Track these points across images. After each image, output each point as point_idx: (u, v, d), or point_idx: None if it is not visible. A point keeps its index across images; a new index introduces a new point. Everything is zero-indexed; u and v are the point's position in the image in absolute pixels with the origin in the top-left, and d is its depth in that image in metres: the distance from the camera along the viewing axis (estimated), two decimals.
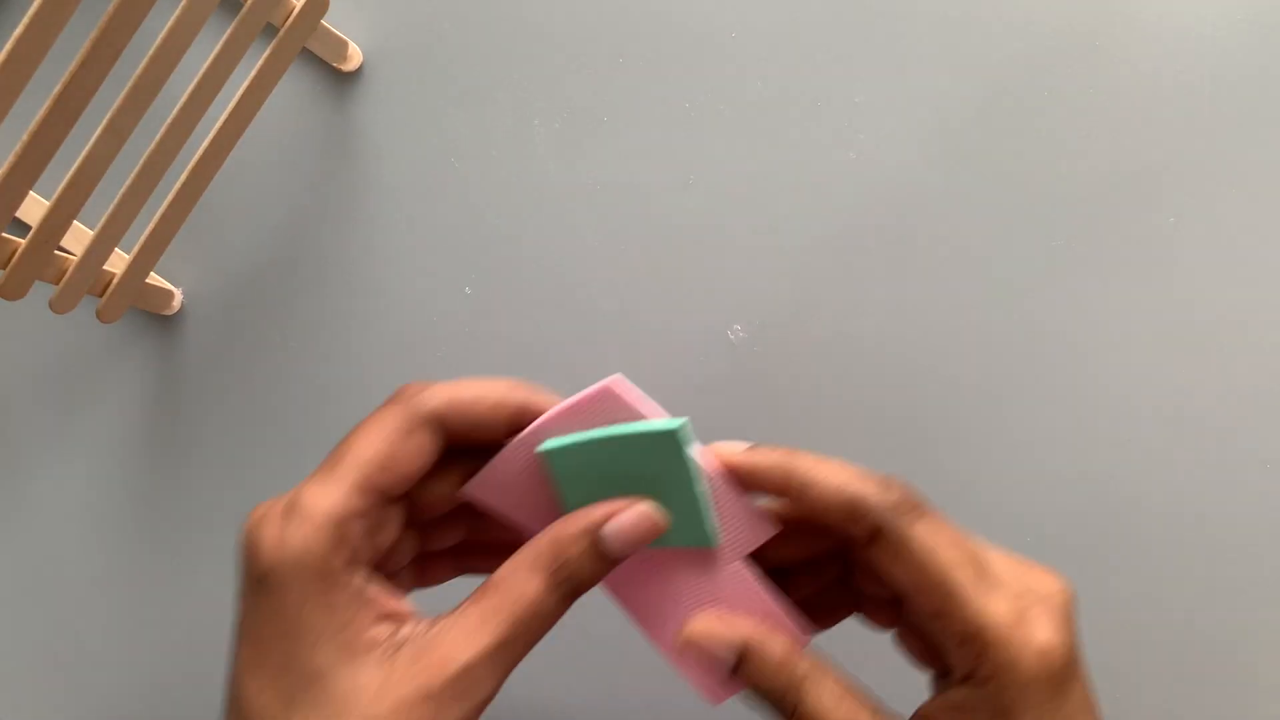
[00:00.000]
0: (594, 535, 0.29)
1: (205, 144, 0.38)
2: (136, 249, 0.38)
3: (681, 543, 0.31)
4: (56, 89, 0.30)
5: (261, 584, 0.28)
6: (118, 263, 0.39)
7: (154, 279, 0.42)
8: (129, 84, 0.33)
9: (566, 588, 0.28)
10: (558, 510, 0.30)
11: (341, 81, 0.43)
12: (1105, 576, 0.42)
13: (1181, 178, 0.42)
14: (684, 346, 0.43)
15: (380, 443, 0.29)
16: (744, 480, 0.30)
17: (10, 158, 0.30)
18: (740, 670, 0.30)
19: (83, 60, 0.30)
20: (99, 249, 0.36)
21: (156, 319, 0.44)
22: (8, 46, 0.28)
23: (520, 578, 0.28)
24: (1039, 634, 0.28)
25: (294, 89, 0.43)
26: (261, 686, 0.28)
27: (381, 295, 0.43)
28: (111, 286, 0.38)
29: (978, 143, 0.42)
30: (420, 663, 0.27)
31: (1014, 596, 0.29)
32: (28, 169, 0.31)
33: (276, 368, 0.44)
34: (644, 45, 0.42)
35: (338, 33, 0.42)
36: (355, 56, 0.43)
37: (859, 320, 0.42)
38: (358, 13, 0.43)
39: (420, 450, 0.29)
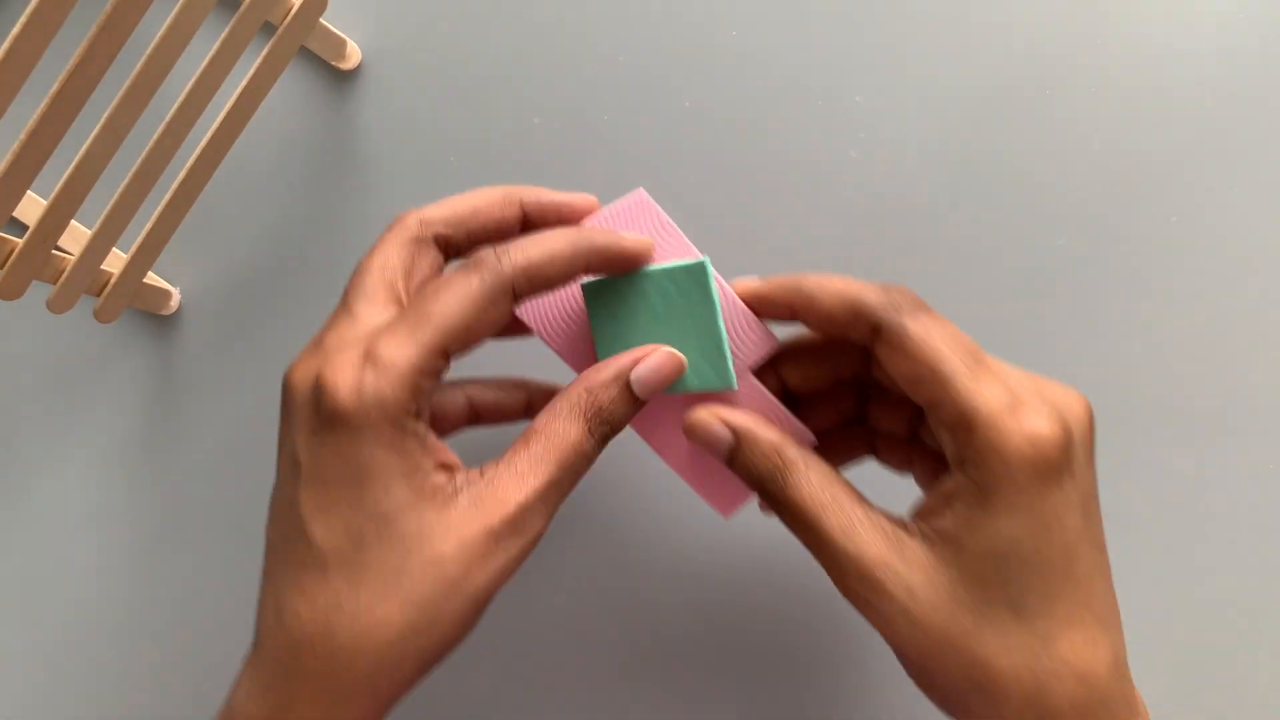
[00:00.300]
0: (624, 380, 0.32)
1: (203, 143, 0.38)
2: (134, 248, 0.38)
3: (701, 386, 0.33)
4: (54, 88, 0.30)
5: (333, 426, 0.29)
6: (115, 262, 0.38)
7: (152, 279, 0.42)
8: (127, 83, 0.33)
9: (603, 430, 0.31)
10: (588, 339, 0.34)
11: (340, 80, 0.43)
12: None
13: (1183, 177, 0.42)
14: None
15: (466, 312, 0.30)
16: (758, 307, 0.33)
17: (8, 157, 0.30)
18: (735, 457, 0.32)
19: (80, 59, 0.30)
20: (97, 248, 0.36)
21: (154, 319, 0.43)
22: (5, 45, 0.28)
23: (561, 425, 0.31)
24: (1029, 421, 0.28)
25: (292, 88, 0.43)
26: (330, 526, 0.29)
27: None
28: (109, 286, 0.38)
29: (979, 142, 0.42)
30: (480, 505, 0.29)
31: (1011, 390, 0.29)
32: (25, 168, 0.31)
33: (274, 368, 0.43)
34: (644, 44, 0.42)
35: (336, 31, 0.42)
36: (354, 55, 0.43)
37: None
38: (357, 11, 0.43)
39: (500, 319, 0.30)
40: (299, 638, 0.29)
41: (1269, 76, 0.42)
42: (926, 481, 0.33)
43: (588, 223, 0.33)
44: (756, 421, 0.32)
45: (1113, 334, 0.41)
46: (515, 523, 0.30)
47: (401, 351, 0.29)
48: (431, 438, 0.30)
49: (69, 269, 0.35)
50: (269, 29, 0.38)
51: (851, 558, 0.29)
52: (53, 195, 0.33)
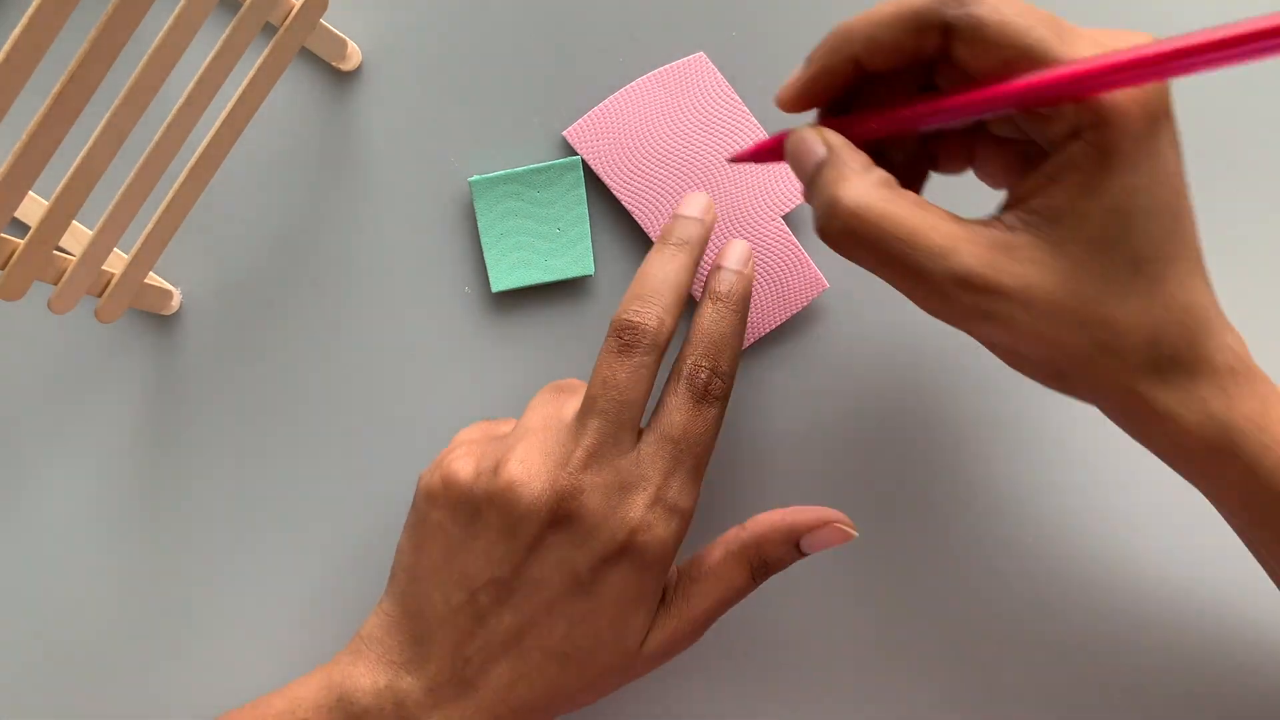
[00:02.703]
0: (794, 541, 0.36)
1: (204, 144, 0.38)
2: (135, 249, 0.38)
3: (564, 274, 0.42)
4: (55, 89, 0.30)
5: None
6: (117, 263, 0.39)
7: (153, 279, 0.42)
8: (128, 84, 0.33)
9: (763, 574, 0.37)
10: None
11: (341, 81, 0.43)
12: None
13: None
14: None
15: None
16: (813, 100, 0.33)
17: (9, 158, 0.30)
18: (815, 179, 0.32)
19: (81, 60, 0.30)
20: (98, 249, 0.36)
21: (155, 319, 0.44)
22: (6, 46, 0.28)
23: (729, 570, 0.36)
24: None
25: (293, 88, 0.43)
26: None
27: (381, 293, 0.43)
28: (110, 286, 0.38)
29: None
30: (676, 616, 0.36)
31: (1102, 45, 0.28)
32: (26, 169, 0.31)
33: (276, 368, 0.44)
34: (643, 46, 0.42)
35: (337, 32, 0.42)
36: (355, 56, 0.43)
37: (858, 323, 0.42)
38: (357, 12, 0.43)
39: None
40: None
41: (1269, 77, 0.42)
42: (1008, 173, 0.33)
43: (638, 81, 0.41)
44: (853, 150, 0.31)
45: None
46: (694, 634, 0.37)
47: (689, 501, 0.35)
48: None
49: (70, 269, 0.35)
50: (269, 30, 0.38)
51: (961, 276, 0.29)
52: (54, 196, 0.33)
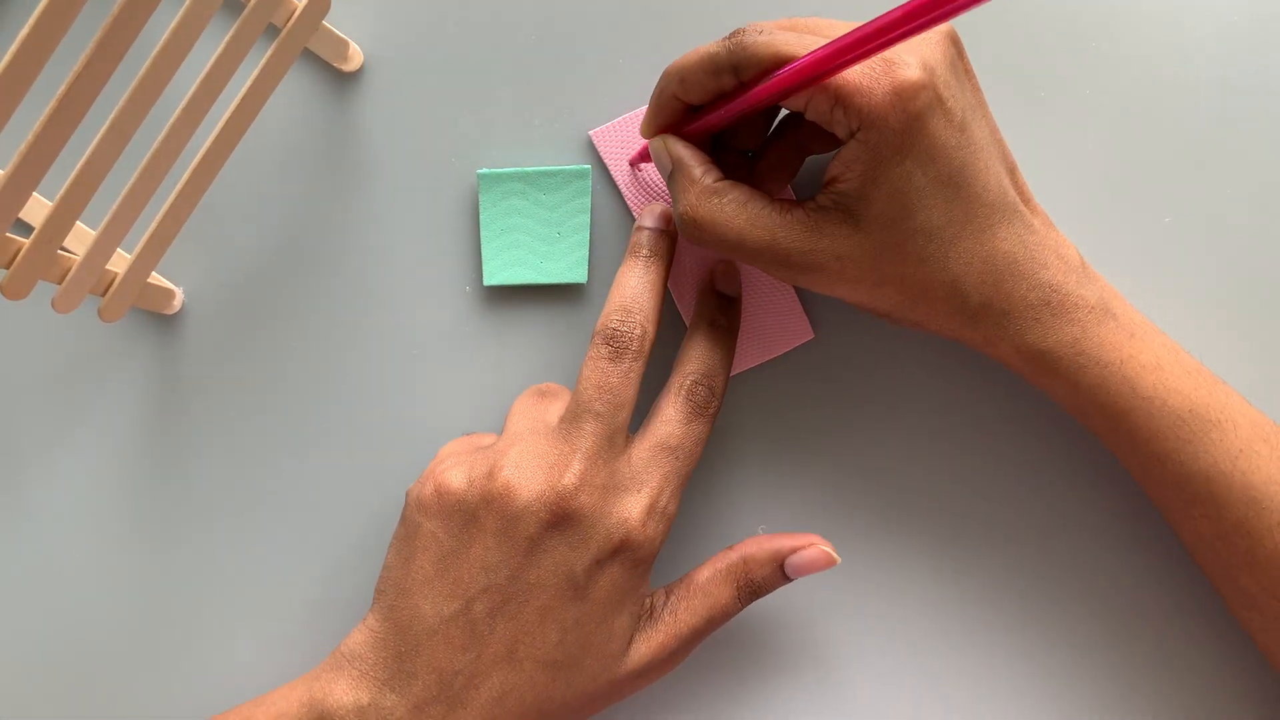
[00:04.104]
0: (779, 562, 0.38)
1: (207, 145, 0.38)
2: (139, 249, 0.38)
3: (559, 279, 0.42)
4: (60, 91, 0.30)
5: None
6: (120, 262, 0.39)
7: (155, 279, 0.43)
8: (131, 86, 0.33)
9: (750, 596, 0.38)
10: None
11: (343, 82, 0.43)
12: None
13: (1179, 177, 0.42)
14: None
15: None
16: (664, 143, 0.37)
17: (14, 160, 0.31)
18: (672, 178, 0.37)
19: (86, 62, 0.30)
20: (101, 249, 0.36)
21: (158, 318, 0.44)
22: (11, 49, 0.28)
23: (717, 588, 0.38)
24: (890, 78, 0.32)
25: (295, 89, 0.43)
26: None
27: (382, 294, 0.43)
28: (113, 286, 0.38)
29: None
30: (664, 631, 0.37)
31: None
32: (31, 170, 0.31)
33: (278, 367, 0.44)
34: (644, 46, 0.43)
35: (339, 33, 0.42)
36: (356, 57, 0.43)
37: (858, 331, 0.43)
38: (359, 13, 0.43)
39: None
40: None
41: (1268, 76, 0.42)
42: None
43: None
44: (693, 158, 0.36)
45: None
46: (683, 650, 0.38)
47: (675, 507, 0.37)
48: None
49: (74, 269, 0.36)
50: (272, 31, 0.39)
51: (782, 257, 0.35)
52: (58, 197, 0.33)
